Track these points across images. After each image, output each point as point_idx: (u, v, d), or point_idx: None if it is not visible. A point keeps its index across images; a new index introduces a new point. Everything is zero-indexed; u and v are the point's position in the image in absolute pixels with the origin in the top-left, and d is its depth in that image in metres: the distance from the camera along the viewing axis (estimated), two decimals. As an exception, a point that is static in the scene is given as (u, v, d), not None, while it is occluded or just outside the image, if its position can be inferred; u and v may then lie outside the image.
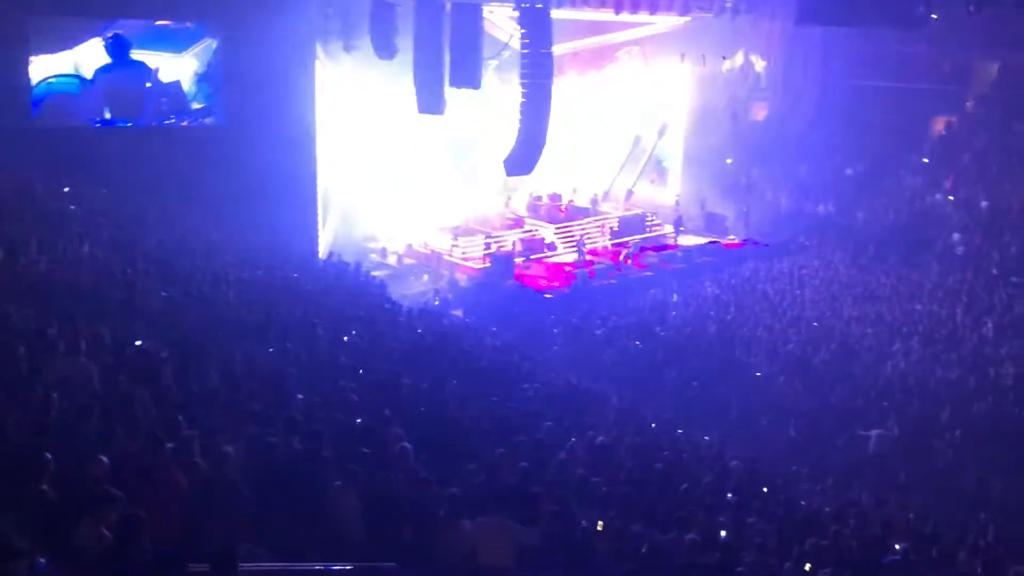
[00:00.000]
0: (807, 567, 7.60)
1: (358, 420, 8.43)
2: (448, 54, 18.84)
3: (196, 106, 20.38)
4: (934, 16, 27.49)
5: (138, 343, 8.94)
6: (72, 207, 14.96)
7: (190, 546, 5.44)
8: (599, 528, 7.18)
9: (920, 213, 25.89)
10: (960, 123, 29.41)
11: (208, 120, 20.53)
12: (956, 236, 23.86)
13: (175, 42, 19.82)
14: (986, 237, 23.54)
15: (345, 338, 12.22)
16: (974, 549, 9.43)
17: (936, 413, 14.28)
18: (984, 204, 24.74)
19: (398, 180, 24.51)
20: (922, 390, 15.01)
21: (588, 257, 23.70)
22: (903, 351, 16.61)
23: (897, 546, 8.66)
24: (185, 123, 20.31)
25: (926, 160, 28.31)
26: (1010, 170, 25.96)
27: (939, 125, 30.03)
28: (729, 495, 9.20)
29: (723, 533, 7.93)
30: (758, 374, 15.98)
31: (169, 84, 19.91)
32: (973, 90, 30.10)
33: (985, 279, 21.57)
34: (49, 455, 5.52)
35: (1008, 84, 29.25)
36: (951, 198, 25.76)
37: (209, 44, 20.09)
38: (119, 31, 18.85)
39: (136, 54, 19.28)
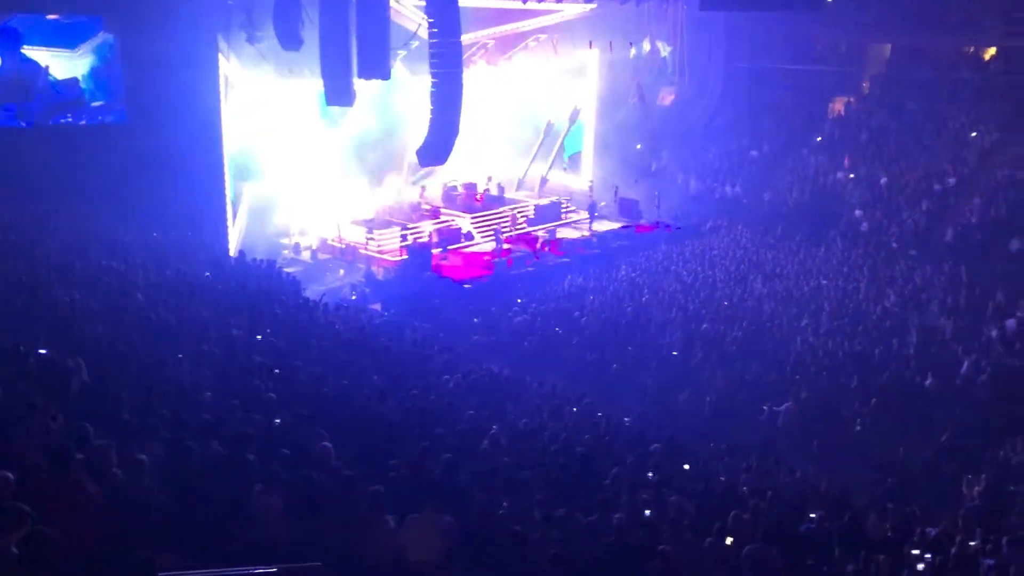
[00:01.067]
0: (728, 541, 7.80)
1: (277, 420, 8.30)
2: (355, 45, 18.54)
3: (95, 104, 19.63)
4: (830, 0, 28.52)
5: (42, 351, 8.62)
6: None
7: (106, 559, 5.29)
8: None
9: (823, 191, 26.78)
10: (857, 103, 30.53)
11: (108, 118, 19.81)
12: (858, 212, 24.78)
13: (68, 38, 19.02)
14: (886, 213, 24.51)
15: (259, 337, 11.98)
16: (883, 513, 9.82)
17: (845, 384, 14.83)
18: (883, 181, 25.74)
19: (309, 174, 24.09)
20: (831, 362, 15.55)
21: (506, 246, 23.77)
22: (812, 326, 17.17)
23: (812, 515, 8.95)
24: (83, 122, 19.54)
25: (819, 139, 29.31)
26: (905, 148, 27.09)
27: (838, 105, 31.12)
28: (650, 474, 9.37)
29: (647, 512, 8.08)
30: (674, 353, 16.31)
31: (64, 82, 19.13)
32: (868, 71, 31.27)
33: (886, 253, 22.48)
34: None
35: (901, 64, 30.50)
36: (852, 176, 26.72)
37: (105, 39, 19.36)
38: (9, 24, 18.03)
39: (27, 51, 18.46)
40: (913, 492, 11.61)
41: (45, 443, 6.46)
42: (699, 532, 7.82)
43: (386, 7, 18.86)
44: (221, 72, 20.46)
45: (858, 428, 13.74)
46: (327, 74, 18.81)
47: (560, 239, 24.71)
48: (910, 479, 12.38)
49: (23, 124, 18.80)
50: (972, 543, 9.49)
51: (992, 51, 29.10)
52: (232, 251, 20.20)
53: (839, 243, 23.52)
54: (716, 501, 8.94)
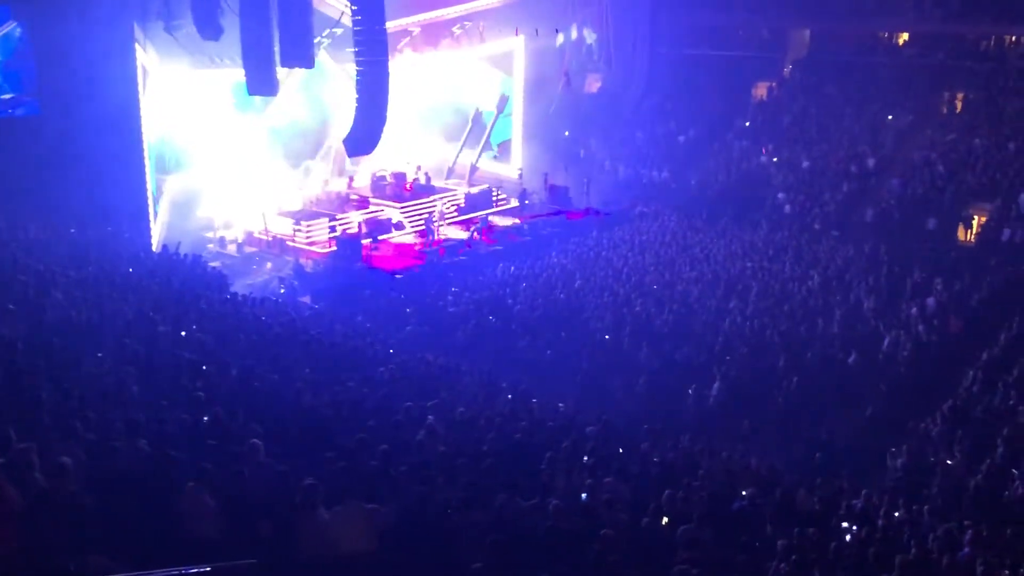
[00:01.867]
0: (664, 521, 7.92)
1: (205, 418, 8.13)
2: (277, 32, 18.16)
3: (4, 96, 18.85)
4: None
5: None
6: None
7: (29, 566, 5.12)
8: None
9: (748, 175, 27.30)
10: (779, 88, 31.18)
11: (19, 111, 19.07)
12: (781, 195, 25.32)
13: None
14: (808, 195, 25.10)
15: (183, 333, 11.70)
16: (811, 488, 10.10)
17: (772, 363, 15.18)
18: (805, 164, 26.35)
19: (233, 165, 23.58)
20: (758, 343, 15.89)
21: (437, 235, 23.65)
22: (739, 307, 17.50)
23: (744, 492, 9.14)
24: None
25: (747, 124, 29.88)
26: (826, 131, 27.77)
27: (761, 90, 31.75)
28: (586, 458, 9.45)
29: (583, 496, 8.14)
30: (607, 338, 16.47)
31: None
32: (790, 56, 31.96)
33: (809, 234, 23.04)
34: None
35: (820, 50, 31.26)
36: (775, 159, 27.29)
37: (12, 28, 18.59)
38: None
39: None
40: (840, 466, 11.98)
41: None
42: (635, 514, 7.92)
43: (308, -7, 18.53)
44: (139, 62, 19.82)
45: (783, 405, 14.10)
46: (248, 63, 18.39)
47: (492, 227, 24.69)
48: (837, 454, 12.78)
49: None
50: (896, 514, 9.86)
51: (905, 36, 30.04)
52: (155, 246, 19.65)
53: (764, 226, 24.03)
54: (650, 483, 9.06)
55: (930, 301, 17.28)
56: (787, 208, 24.90)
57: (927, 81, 27.83)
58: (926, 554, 8.18)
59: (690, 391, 14.47)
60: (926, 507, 10.08)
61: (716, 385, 14.45)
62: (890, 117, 27.35)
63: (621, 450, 10.60)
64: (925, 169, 24.28)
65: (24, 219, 16.31)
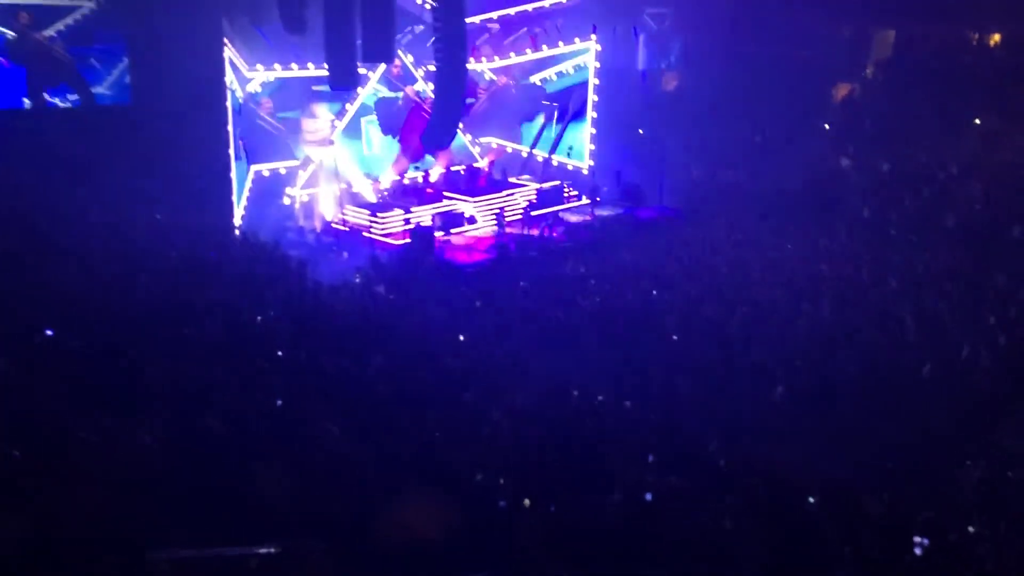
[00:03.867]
0: (727, 525, 7.90)
1: (279, 401, 8.40)
2: (360, 28, 18.59)
3: (100, 90, 19.63)
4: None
5: (48, 333, 8.72)
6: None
7: (110, 539, 5.38)
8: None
9: (825, 177, 26.76)
10: (861, 89, 30.48)
11: (109, 100, 19.86)
12: (859, 198, 24.78)
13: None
14: (887, 199, 24.51)
15: (259, 318, 12.07)
16: (880, 497, 9.92)
17: (844, 369, 14.89)
18: (885, 168, 25.73)
19: (316, 156, 24.18)
20: (831, 347, 15.61)
21: (508, 230, 23.82)
22: (811, 311, 17.21)
23: (811, 499, 9.04)
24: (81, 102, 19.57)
25: (827, 127, 29.29)
26: (908, 134, 27.03)
27: (841, 91, 31.07)
28: (651, 457, 9.44)
29: (647, 495, 8.17)
30: (675, 338, 16.37)
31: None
32: (873, 57, 31.22)
33: (887, 239, 22.50)
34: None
35: (905, 51, 30.44)
36: (853, 162, 26.71)
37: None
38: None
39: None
40: (912, 477, 11.72)
41: (47, 422, 6.56)
42: (698, 515, 7.92)
43: (390, -10, 18.88)
44: (226, 55, 20.48)
45: (854, 412, 13.82)
46: (331, 58, 18.84)
47: (562, 223, 24.75)
48: (910, 463, 12.49)
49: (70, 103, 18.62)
50: (971, 528, 9.61)
51: (996, 38, 29.06)
52: (238, 232, 20.29)
53: (841, 229, 23.54)
54: (715, 484, 9.02)
55: (1011, 310, 16.74)
56: (865, 212, 24.35)
57: (1016, 84, 26.86)
58: (1001, 571, 7.98)
59: (758, 394, 14.28)
60: (1002, 523, 9.81)
61: (783, 389, 14.25)
62: (976, 121, 26.49)
63: (686, 450, 10.57)
64: (1010, 175, 23.47)
65: (112, 204, 17.01)
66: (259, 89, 23.04)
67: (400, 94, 25.80)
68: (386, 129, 26.23)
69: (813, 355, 15.33)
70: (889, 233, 22.97)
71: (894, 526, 9.05)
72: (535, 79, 28.76)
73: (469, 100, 28.53)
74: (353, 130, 25.57)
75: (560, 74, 28.61)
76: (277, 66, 23.15)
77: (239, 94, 21.90)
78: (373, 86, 25.52)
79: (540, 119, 28.59)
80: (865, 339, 15.98)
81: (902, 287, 18.49)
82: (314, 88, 23.36)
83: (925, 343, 15.82)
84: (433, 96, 19.47)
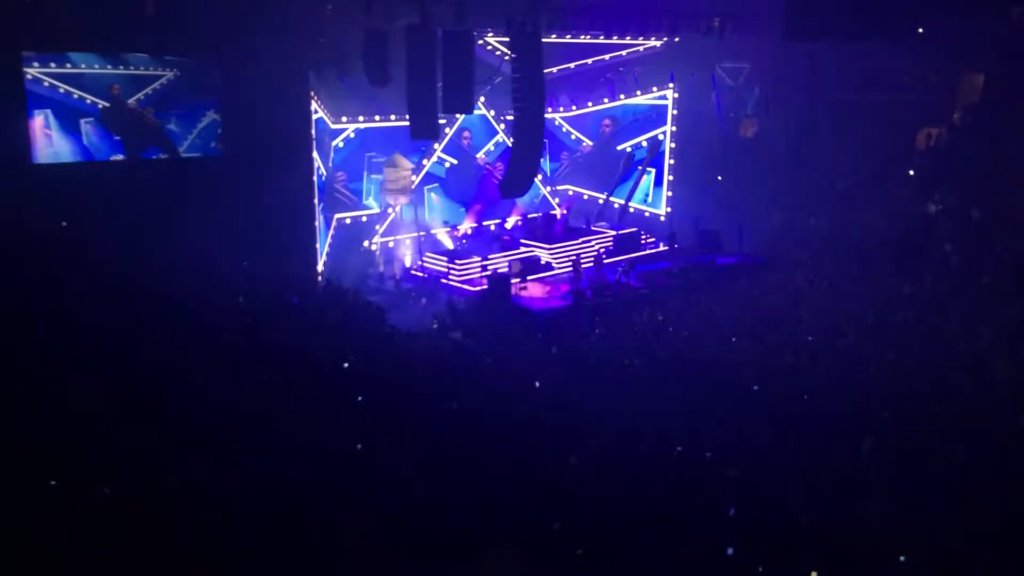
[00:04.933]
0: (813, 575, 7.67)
1: (359, 446, 8.52)
2: (440, 81, 19.04)
3: (182, 150, 20.59)
4: (920, 30, 27.95)
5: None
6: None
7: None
8: None
9: (911, 224, 26.06)
10: (949, 134, 29.70)
11: (202, 152, 20.78)
12: (948, 247, 24.03)
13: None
14: (978, 247, 23.71)
15: (346, 364, 12.30)
16: (977, 558, 9.48)
17: (933, 423, 14.36)
18: (975, 215, 24.93)
19: (395, 203, 24.73)
20: (919, 400, 15.09)
21: (584, 276, 23.84)
22: (899, 362, 16.70)
23: (901, 558, 8.71)
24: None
25: (911, 172, 28.57)
26: (999, 180, 26.18)
27: (927, 136, 30.33)
28: (731, 510, 9.25)
29: (729, 551, 7.99)
30: (755, 388, 16.05)
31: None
32: (960, 101, 30.43)
33: (978, 289, 21.72)
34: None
35: (994, 94, 29.60)
36: (941, 208, 25.97)
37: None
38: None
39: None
40: (1009, 538, 11.16)
41: (137, 463, 6.75)
42: (778, 572, 7.71)
43: (472, 43, 19.30)
44: (312, 106, 21.21)
45: (948, 471, 13.27)
46: (413, 109, 19.30)
47: (640, 270, 24.65)
48: (1007, 524, 11.89)
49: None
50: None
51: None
52: (320, 279, 20.81)
53: (927, 278, 22.84)
54: (797, 540, 8.78)
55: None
56: (954, 259, 23.60)
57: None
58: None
59: (856, 444, 13.83)
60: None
61: (867, 440, 13.77)
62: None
63: (765, 503, 10.31)
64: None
65: (203, 252, 17.66)
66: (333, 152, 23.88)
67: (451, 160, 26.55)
68: (455, 196, 26.87)
69: (900, 409, 14.85)
70: (981, 281, 22.19)
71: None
72: (626, 146, 29.09)
73: (553, 164, 29.05)
74: (416, 198, 26.11)
75: (650, 140, 28.87)
76: (361, 117, 23.92)
77: (323, 171, 22.76)
78: (439, 155, 26.22)
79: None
80: (955, 391, 15.42)
81: (995, 339, 17.81)
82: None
83: (1021, 398, 15.17)
84: (511, 145, 19.77)
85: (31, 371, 8.10)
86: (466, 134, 26.85)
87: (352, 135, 24.34)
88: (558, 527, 7.40)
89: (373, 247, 24.78)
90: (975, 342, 17.46)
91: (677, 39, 25.70)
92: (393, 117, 23.87)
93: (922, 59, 30.10)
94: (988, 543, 10.25)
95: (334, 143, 23.90)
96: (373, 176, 24.87)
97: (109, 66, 19.27)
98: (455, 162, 26.82)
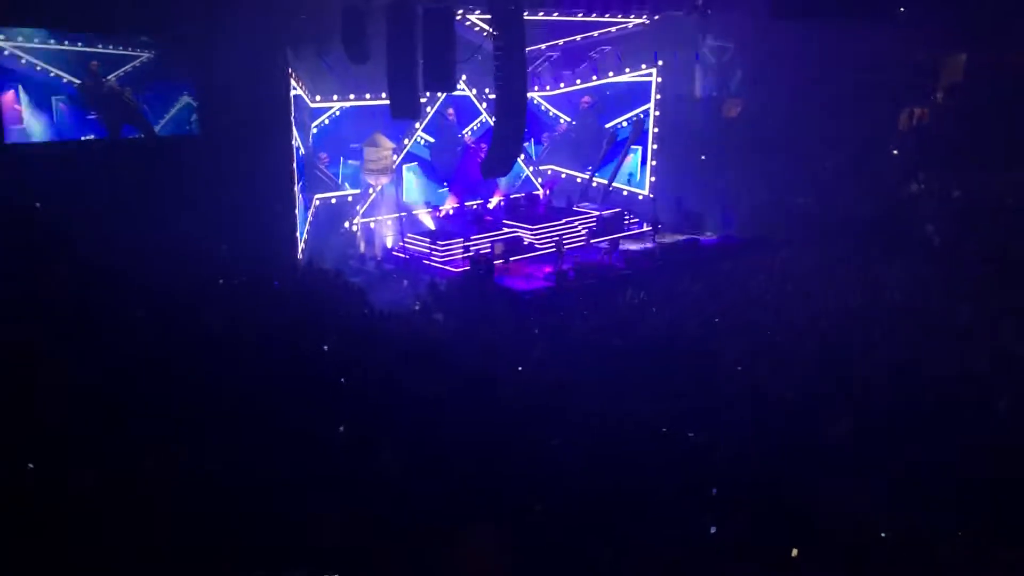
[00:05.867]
0: (794, 553, 7.64)
1: (340, 428, 8.41)
2: (421, 58, 18.79)
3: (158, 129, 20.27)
4: (902, 9, 27.88)
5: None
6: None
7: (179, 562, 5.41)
8: None
9: (895, 205, 26.12)
10: (931, 114, 29.73)
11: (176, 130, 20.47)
12: (931, 227, 24.12)
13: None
14: (960, 227, 23.80)
15: (325, 347, 12.16)
16: (954, 546, 9.49)
17: (916, 406, 14.39)
18: (956, 194, 25.02)
19: (376, 183, 24.49)
20: (902, 381, 15.12)
21: (566, 257, 23.73)
22: (883, 343, 16.74)
23: (883, 534, 8.71)
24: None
25: (895, 152, 28.60)
26: (981, 160, 26.24)
27: (910, 116, 30.35)
28: (714, 491, 9.22)
29: (712, 529, 7.96)
30: (739, 368, 16.04)
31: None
32: (943, 81, 30.45)
33: (960, 269, 21.80)
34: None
35: (977, 76, 29.62)
36: (924, 189, 26.04)
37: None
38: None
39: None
40: (987, 519, 11.18)
41: (116, 447, 6.64)
42: (763, 555, 7.68)
43: (452, 21, 19.05)
44: (290, 86, 20.91)
45: (930, 450, 13.30)
46: (393, 88, 19.07)
47: (623, 251, 24.58)
48: (985, 512, 11.92)
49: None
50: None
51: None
52: (301, 261, 20.60)
53: (911, 258, 22.91)
54: (783, 525, 8.75)
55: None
56: (936, 240, 23.68)
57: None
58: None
59: (830, 429, 13.85)
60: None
61: (847, 422, 13.78)
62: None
63: (751, 484, 10.29)
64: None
65: (181, 232, 17.41)
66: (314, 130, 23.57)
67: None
68: (437, 176, 26.65)
69: (884, 388, 14.88)
70: (963, 261, 22.27)
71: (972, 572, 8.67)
72: (609, 125, 28.91)
73: (538, 148, 28.84)
74: (396, 177, 25.68)
75: (631, 120, 28.67)
76: (336, 96, 23.58)
77: (302, 150, 22.46)
78: (420, 134, 25.97)
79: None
80: (938, 371, 15.46)
81: (976, 317, 17.87)
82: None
83: (999, 378, 15.22)
84: (494, 124, 19.57)
85: (5, 357, 7.92)
86: (451, 111, 26.57)
87: (337, 114, 24.01)
88: (539, 509, 7.32)
89: (354, 228, 24.55)
90: (956, 323, 17.51)
91: (658, 17, 25.49)
92: (368, 96, 23.58)
93: (905, 39, 30.07)
94: (968, 526, 10.29)
95: (315, 123, 23.59)
96: (350, 162, 24.59)
97: (80, 43, 18.86)
98: (435, 141, 26.55)
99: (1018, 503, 12.02)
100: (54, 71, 18.53)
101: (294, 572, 5.67)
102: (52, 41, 18.54)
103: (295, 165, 21.30)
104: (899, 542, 8.66)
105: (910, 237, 24.10)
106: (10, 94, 18.07)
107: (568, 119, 29.67)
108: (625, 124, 28.86)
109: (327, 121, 23.88)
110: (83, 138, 19.15)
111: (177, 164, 18.92)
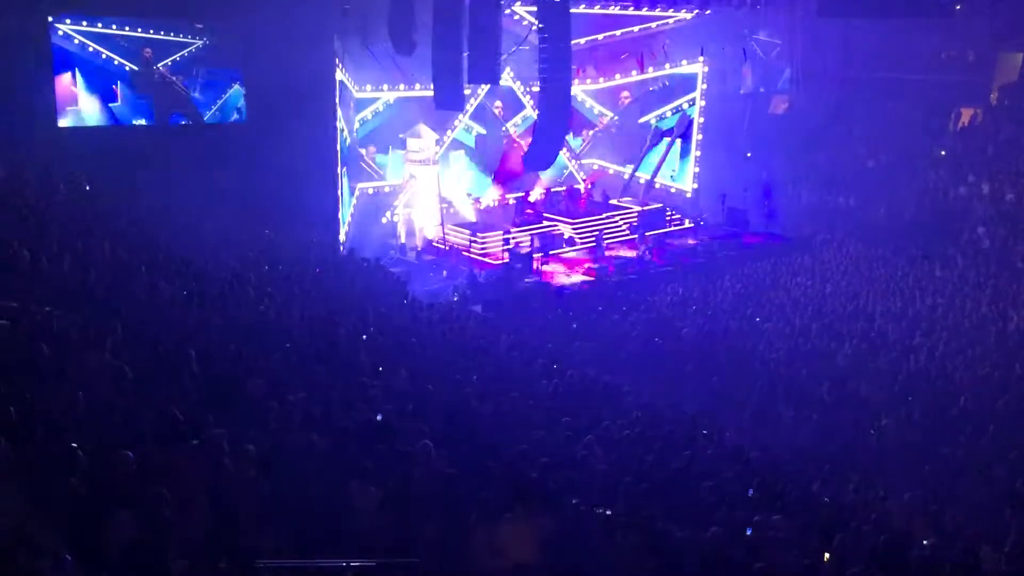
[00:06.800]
0: (826, 557, 7.54)
1: (379, 417, 8.45)
2: (466, 50, 18.80)
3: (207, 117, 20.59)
4: (957, 7, 27.31)
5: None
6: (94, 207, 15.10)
7: (211, 542, 5.48)
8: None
9: (943, 206, 25.63)
10: (984, 115, 29.10)
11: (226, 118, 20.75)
12: (981, 229, 23.61)
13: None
14: (1012, 230, 23.27)
15: (364, 337, 12.23)
16: (999, 545, 9.31)
17: (961, 407, 14.12)
18: (1009, 197, 24.47)
19: (418, 174, 24.59)
20: (946, 384, 14.85)
21: (607, 252, 23.64)
22: (927, 345, 16.44)
23: (924, 542, 8.56)
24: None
25: (943, 153, 28.04)
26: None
27: (963, 117, 29.73)
28: (751, 491, 9.13)
29: (748, 531, 7.87)
30: (779, 370, 15.86)
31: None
32: (997, 81, 29.78)
33: (1010, 273, 21.33)
34: (79, 451, 5.60)
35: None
36: (975, 191, 25.49)
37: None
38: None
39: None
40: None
41: (164, 430, 6.75)
42: (800, 553, 7.58)
43: (499, 12, 19.03)
44: (337, 76, 21.03)
45: (972, 453, 13.06)
46: (438, 79, 19.11)
47: (664, 247, 24.41)
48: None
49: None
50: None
51: None
52: (342, 249, 20.75)
53: (959, 261, 22.45)
54: (819, 522, 8.65)
55: None
56: (986, 243, 23.19)
57: None
58: None
59: (870, 431, 13.64)
60: None
61: (890, 424, 13.57)
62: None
63: (788, 486, 10.18)
64: None
65: (226, 219, 17.64)
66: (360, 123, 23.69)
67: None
68: (482, 167, 26.63)
69: (927, 391, 14.62)
70: (1014, 265, 21.77)
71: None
72: (650, 118, 28.60)
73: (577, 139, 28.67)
74: (441, 167, 25.68)
75: (676, 110, 28.34)
76: (385, 86, 23.70)
77: (348, 140, 22.60)
78: (466, 123, 25.96)
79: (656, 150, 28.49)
80: (984, 375, 15.16)
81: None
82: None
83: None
84: (537, 116, 19.55)
85: (55, 335, 8.08)
86: (498, 103, 26.53)
87: (381, 108, 24.15)
88: (575, 502, 7.31)
89: (395, 218, 24.67)
90: (1004, 327, 17.15)
91: (708, 11, 25.20)
92: (418, 86, 23.65)
93: (958, 38, 29.46)
94: (1015, 535, 10.08)
95: (360, 116, 23.71)
96: (394, 152, 24.70)
97: (139, 29, 19.21)
98: (484, 132, 26.53)
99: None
100: (109, 54, 18.87)
101: (329, 557, 5.70)
102: (113, 26, 18.91)
103: (339, 154, 21.44)
104: (940, 548, 8.49)
105: (958, 239, 23.62)
106: (67, 76, 18.44)
107: (610, 114, 29.48)
108: (670, 114, 28.49)
109: (370, 115, 24.01)
110: (134, 122, 19.48)
111: (224, 150, 19.19)
